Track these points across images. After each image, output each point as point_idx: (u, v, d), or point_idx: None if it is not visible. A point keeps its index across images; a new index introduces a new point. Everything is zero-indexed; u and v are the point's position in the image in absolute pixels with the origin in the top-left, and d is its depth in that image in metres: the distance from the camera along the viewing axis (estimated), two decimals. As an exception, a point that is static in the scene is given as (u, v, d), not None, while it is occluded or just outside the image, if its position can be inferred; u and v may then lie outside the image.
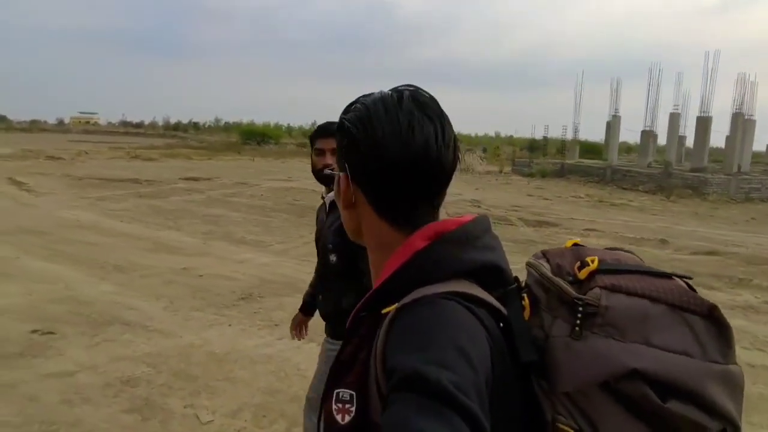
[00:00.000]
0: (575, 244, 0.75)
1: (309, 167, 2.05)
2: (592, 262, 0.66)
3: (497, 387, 0.58)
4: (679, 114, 21.36)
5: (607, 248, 0.75)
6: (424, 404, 0.50)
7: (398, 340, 0.59)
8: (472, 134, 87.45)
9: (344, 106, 0.75)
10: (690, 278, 0.67)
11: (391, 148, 0.67)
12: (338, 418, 0.63)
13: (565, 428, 0.61)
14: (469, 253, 0.68)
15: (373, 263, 0.75)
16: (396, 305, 0.62)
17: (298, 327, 2.32)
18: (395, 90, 0.72)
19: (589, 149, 30.74)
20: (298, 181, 15.35)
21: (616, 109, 23.63)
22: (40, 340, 3.87)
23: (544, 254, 0.73)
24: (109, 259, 6.13)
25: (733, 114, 19.44)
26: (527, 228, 9.82)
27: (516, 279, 0.72)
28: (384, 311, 0.64)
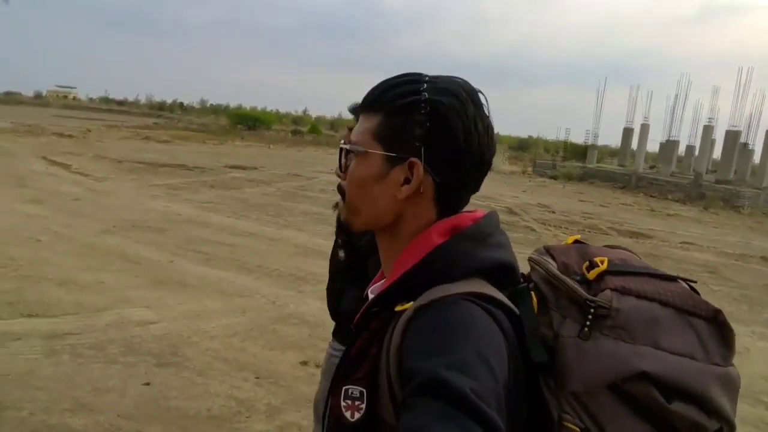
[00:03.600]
0: (577, 241, 0.75)
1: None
2: (602, 262, 0.66)
3: (509, 387, 0.57)
4: (712, 127, 21.60)
5: (607, 246, 0.75)
6: (445, 411, 0.48)
7: (417, 342, 0.57)
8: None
9: (377, 84, 0.72)
10: (694, 282, 0.68)
11: (475, 137, 0.67)
12: (347, 414, 0.62)
13: (572, 427, 0.60)
14: (484, 251, 0.67)
15: (390, 253, 0.72)
16: (413, 304, 0.61)
17: None
18: (459, 78, 0.71)
19: (582, 152, 29.56)
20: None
21: (645, 117, 23.85)
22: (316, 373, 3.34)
23: (548, 251, 0.73)
24: (274, 264, 5.55)
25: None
26: (624, 239, 9.62)
27: (523, 276, 0.72)
28: (398, 308, 0.63)
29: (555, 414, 0.62)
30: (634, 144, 24.94)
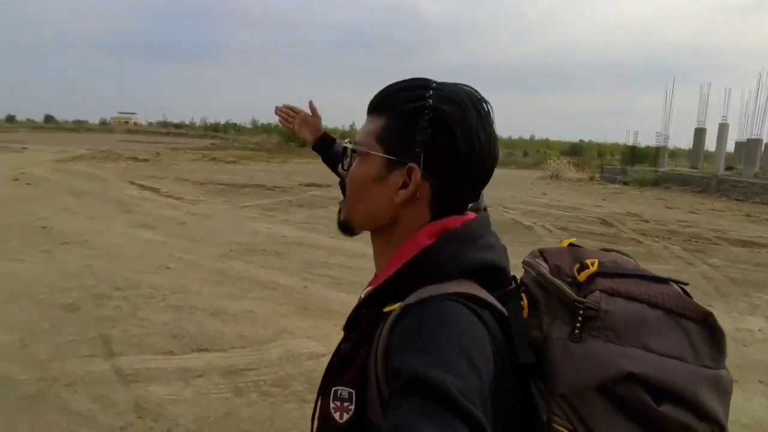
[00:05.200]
0: (571, 245, 0.75)
1: None
2: (592, 264, 0.66)
3: (496, 388, 0.57)
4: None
5: (603, 249, 0.74)
6: (429, 409, 0.48)
7: (404, 340, 0.57)
8: (505, 137, 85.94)
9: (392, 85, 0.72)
10: (686, 284, 0.67)
11: (477, 146, 0.67)
12: (336, 416, 0.62)
13: (560, 429, 0.60)
14: (473, 252, 0.67)
15: (384, 254, 0.72)
16: (400, 304, 0.62)
17: (298, 121, 1.45)
18: (466, 86, 0.71)
19: (641, 156, 27.38)
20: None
21: (724, 116, 22.56)
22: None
23: (542, 253, 0.73)
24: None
25: None
26: (736, 248, 8.90)
27: (514, 278, 0.72)
28: (386, 309, 0.63)
29: (544, 416, 0.62)
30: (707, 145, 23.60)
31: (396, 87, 0.71)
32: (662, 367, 0.58)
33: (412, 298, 0.61)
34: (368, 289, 0.73)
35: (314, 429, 0.69)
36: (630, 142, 26.98)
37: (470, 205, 1.45)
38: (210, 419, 2.91)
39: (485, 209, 1.42)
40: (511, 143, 66.29)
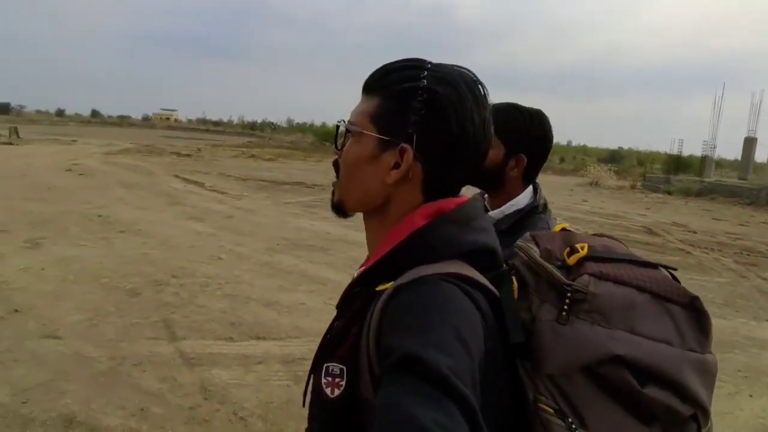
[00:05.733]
0: (564, 229, 0.76)
1: None
2: (582, 248, 0.67)
3: (487, 367, 0.58)
4: None
5: (594, 234, 0.75)
6: (420, 388, 0.49)
7: (395, 319, 0.57)
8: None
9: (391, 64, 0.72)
10: (674, 269, 0.68)
11: (470, 129, 0.67)
12: (327, 391, 0.63)
13: (546, 408, 0.61)
14: (467, 234, 0.67)
15: (377, 236, 0.73)
16: (393, 283, 0.62)
17: None
18: (462, 68, 0.71)
19: (684, 165, 26.38)
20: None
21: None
22: None
23: (534, 238, 0.73)
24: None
25: None
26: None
27: (506, 261, 0.72)
28: (379, 288, 0.63)
29: (531, 395, 0.62)
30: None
31: (391, 67, 0.71)
32: (648, 350, 0.58)
33: (404, 278, 0.62)
34: (362, 269, 0.73)
35: (306, 403, 0.70)
36: (675, 151, 26.14)
37: (541, 201, 1.35)
38: (273, 405, 2.99)
39: (545, 205, 1.33)
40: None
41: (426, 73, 0.68)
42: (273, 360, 3.52)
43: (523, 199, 1.30)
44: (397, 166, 0.68)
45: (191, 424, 2.79)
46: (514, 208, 1.28)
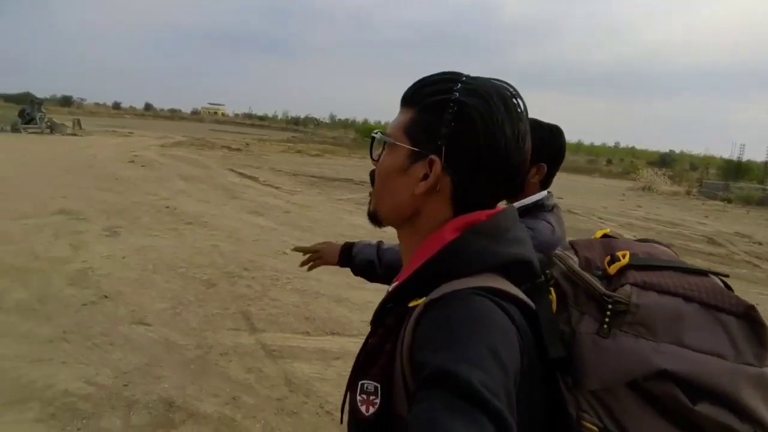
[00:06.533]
0: (605, 235, 0.74)
1: None
2: (623, 256, 0.64)
3: (523, 383, 0.56)
4: None
5: (638, 239, 0.73)
6: (454, 404, 0.48)
7: (428, 335, 0.57)
8: (587, 142, 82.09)
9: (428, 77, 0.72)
10: (726, 276, 0.64)
11: (501, 141, 0.66)
12: (363, 409, 0.62)
13: (590, 426, 0.59)
14: (500, 246, 0.66)
15: (409, 249, 0.73)
16: (424, 299, 0.61)
17: (314, 260, 1.49)
18: (500, 81, 0.70)
19: (741, 169, 24.58)
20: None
21: None
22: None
23: (573, 246, 0.72)
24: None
25: None
26: None
27: (544, 272, 0.70)
28: (411, 304, 0.63)
29: (573, 413, 0.60)
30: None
31: (427, 80, 0.71)
32: (699, 364, 0.55)
33: (436, 293, 0.61)
34: (395, 284, 0.73)
35: (344, 421, 0.70)
36: (734, 156, 24.94)
37: (549, 202, 1.43)
38: (356, 401, 3.07)
39: (554, 206, 1.41)
40: (593, 149, 63.39)
41: (459, 86, 0.68)
42: (349, 356, 3.60)
43: (532, 198, 1.40)
44: (426, 177, 0.68)
45: (281, 415, 2.90)
46: (519, 205, 1.38)
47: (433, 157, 0.67)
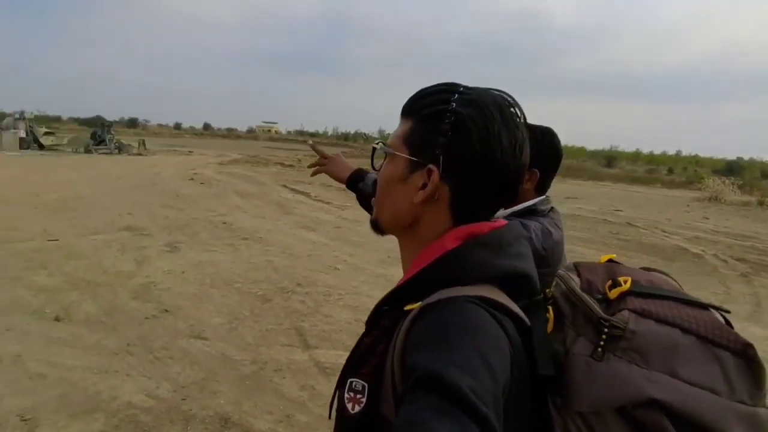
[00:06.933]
0: (610, 260, 0.74)
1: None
2: (625, 282, 0.64)
3: (512, 396, 0.57)
4: None
5: (642, 268, 0.73)
6: (441, 407, 0.49)
7: (420, 339, 0.58)
8: (646, 151, 78.36)
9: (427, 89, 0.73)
10: (727, 311, 0.64)
11: (497, 150, 0.67)
12: (349, 406, 0.63)
13: None
14: (500, 258, 0.67)
15: (408, 256, 0.74)
16: (420, 303, 0.62)
17: (320, 165, 1.59)
18: (498, 90, 0.72)
19: None
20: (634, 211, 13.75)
21: None
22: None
23: (576, 267, 0.73)
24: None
25: None
26: None
27: (543, 290, 0.72)
28: (407, 308, 0.64)
29: None
30: None
31: (425, 91, 0.73)
32: (689, 396, 0.54)
33: (432, 298, 0.62)
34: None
35: (331, 417, 0.72)
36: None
37: (544, 207, 1.42)
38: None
39: (550, 209, 1.39)
40: (653, 158, 60.54)
41: (456, 96, 0.69)
42: (403, 376, 3.53)
43: (525, 204, 1.38)
44: (424, 186, 0.70)
45: (334, 435, 2.86)
46: (511, 212, 1.37)
47: (431, 166, 0.69)
